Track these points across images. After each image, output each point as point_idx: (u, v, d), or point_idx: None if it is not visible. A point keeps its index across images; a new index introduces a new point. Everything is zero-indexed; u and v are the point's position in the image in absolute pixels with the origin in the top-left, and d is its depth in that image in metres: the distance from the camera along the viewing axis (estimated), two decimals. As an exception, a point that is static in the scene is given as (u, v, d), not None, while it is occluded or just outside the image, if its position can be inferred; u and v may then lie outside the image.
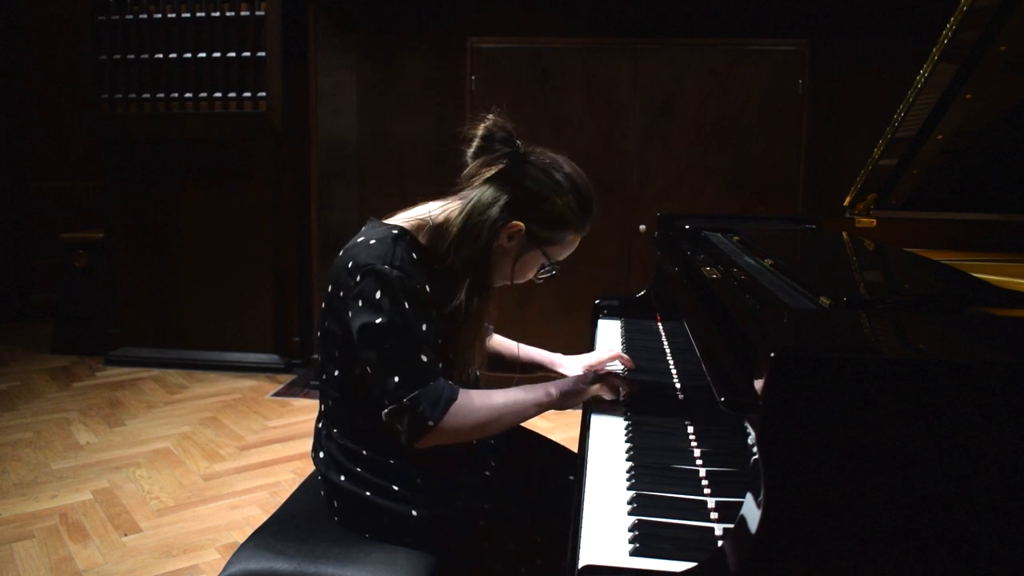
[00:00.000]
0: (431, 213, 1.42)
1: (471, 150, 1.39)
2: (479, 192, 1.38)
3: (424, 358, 1.30)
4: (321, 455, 1.47)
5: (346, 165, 3.88)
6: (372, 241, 1.35)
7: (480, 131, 1.38)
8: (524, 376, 1.69)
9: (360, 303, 1.30)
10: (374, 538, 1.40)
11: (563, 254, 1.47)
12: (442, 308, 1.37)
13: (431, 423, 1.27)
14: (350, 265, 1.34)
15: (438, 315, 1.36)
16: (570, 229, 1.43)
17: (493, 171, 1.37)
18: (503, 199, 1.37)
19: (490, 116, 1.39)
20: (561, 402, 1.42)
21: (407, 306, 1.30)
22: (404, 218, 1.43)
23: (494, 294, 1.47)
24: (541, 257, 1.44)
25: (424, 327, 1.32)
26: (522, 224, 1.38)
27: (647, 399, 1.49)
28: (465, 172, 1.40)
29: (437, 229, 1.39)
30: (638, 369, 1.70)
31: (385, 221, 1.44)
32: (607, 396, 1.46)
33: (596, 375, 1.49)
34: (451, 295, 1.37)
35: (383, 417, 1.30)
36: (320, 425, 1.49)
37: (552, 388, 1.42)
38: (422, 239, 1.40)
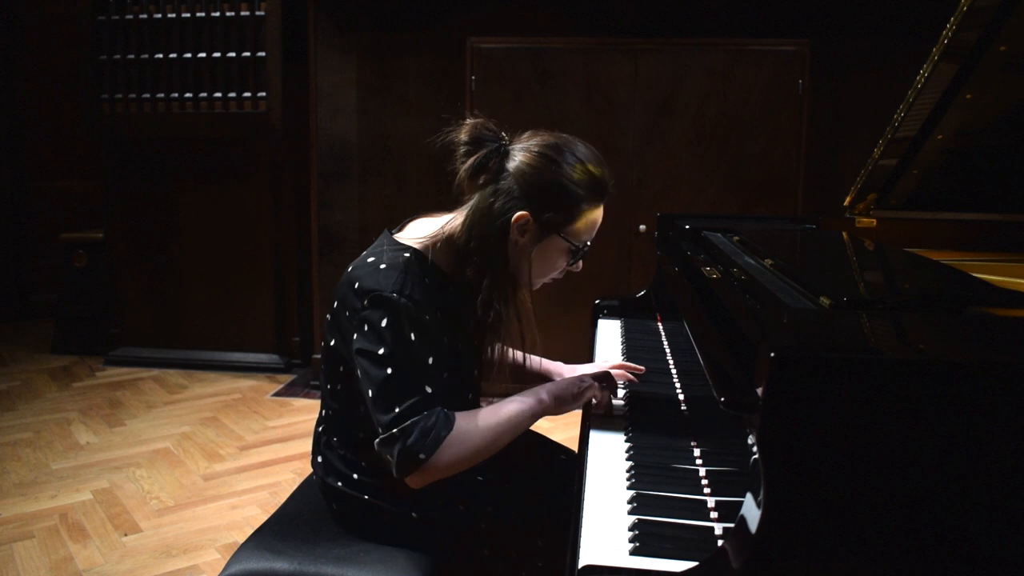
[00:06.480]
0: (442, 228, 1.37)
1: (460, 156, 1.34)
2: (477, 197, 1.33)
3: (429, 389, 1.25)
4: (320, 460, 1.45)
5: (346, 165, 3.88)
6: (383, 266, 1.30)
7: (463, 136, 1.33)
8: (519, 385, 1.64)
9: (365, 328, 1.26)
10: (374, 540, 1.39)
11: (588, 232, 1.37)
12: (469, 324, 1.35)
13: (422, 456, 1.21)
14: (356, 286, 1.29)
15: (467, 331, 1.34)
16: (583, 203, 1.33)
17: (485, 171, 1.32)
18: (502, 195, 1.31)
19: (469, 120, 1.34)
20: (555, 407, 1.37)
21: (413, 337, 1.25)
22: (417, 237, 1.38)
23: (526, 299, 1.39)
24: (562, 243, 1.35)
25: (430, 360, 1.27)
26: (527, 213, 1.30)
27: (648, 416, 1.45)
28: (458, 180, 1.35)
29: (447, 244, 1.35)
30: (644, 377, 1.67)
31: (398, 237, 1.39)
32: (599, 399, 1.43)
33: (591, 376, 1.43)
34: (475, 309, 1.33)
35: (375, 446, 1.26)
36: (320, 430, 1.47)
37: (544, 394, 1.36)
38: (435, 258, 1.35)
